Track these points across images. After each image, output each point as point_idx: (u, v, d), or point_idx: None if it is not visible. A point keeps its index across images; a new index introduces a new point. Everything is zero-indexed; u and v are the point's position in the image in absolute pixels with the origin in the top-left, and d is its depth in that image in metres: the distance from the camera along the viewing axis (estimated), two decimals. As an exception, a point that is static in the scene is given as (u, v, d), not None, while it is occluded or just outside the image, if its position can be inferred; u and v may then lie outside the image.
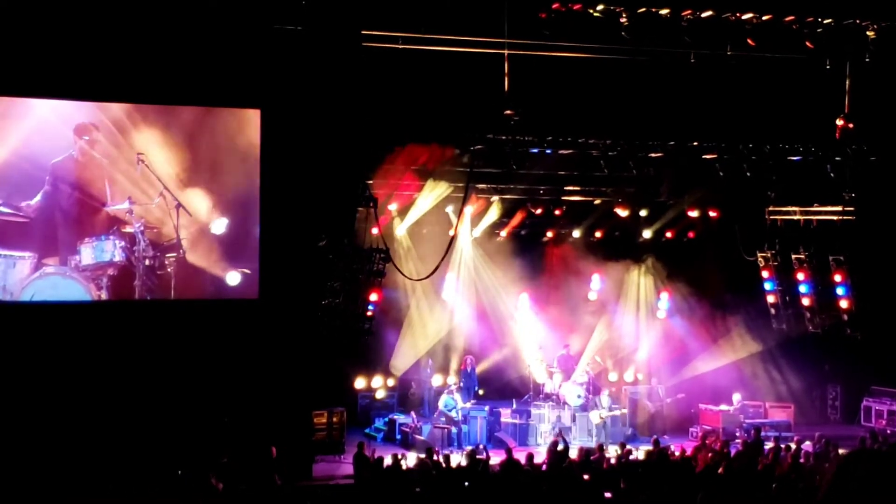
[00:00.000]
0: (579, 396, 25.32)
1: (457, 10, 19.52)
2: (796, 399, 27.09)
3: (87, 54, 17.57)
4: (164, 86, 19.00)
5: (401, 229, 25.29)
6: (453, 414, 23.85)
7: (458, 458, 20.94)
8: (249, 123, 17.51)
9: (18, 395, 18.43)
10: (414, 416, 24.26)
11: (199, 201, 14.57)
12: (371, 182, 21.91)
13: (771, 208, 25.68)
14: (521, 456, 19.37)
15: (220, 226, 14.71)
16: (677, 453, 19.80)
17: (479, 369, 26.43)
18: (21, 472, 18.27)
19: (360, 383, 26.02)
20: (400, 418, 24.78)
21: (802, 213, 25.14)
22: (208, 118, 15.80)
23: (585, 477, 18.16)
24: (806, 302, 25.62)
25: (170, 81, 18.94)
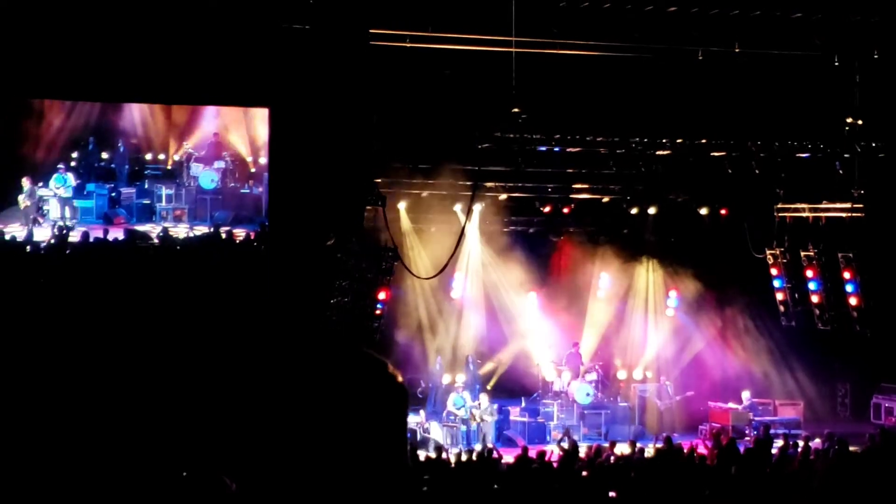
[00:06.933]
0: (588, 394, 25.34)
1: (464, 8, 19.54)
2: (806, 396, 27.06)
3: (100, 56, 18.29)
4: (173, 85, 19.11)
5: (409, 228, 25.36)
6: (462, 412, 23.85)
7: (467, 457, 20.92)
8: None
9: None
10: (423, 414, 24.25)
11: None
12: (380, 180, 21.94)
13: (780, 205, 25.63)
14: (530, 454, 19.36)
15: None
16: (686, 451, 19.79)
17: (487, 368, 26.44)
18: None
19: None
20: (409, 416, 24.69)
21: (811, 210, 25.10)
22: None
23: (592, 474, 18.16)
24: (815, 299, 25.57)
25: (179, 81, 19.05)
